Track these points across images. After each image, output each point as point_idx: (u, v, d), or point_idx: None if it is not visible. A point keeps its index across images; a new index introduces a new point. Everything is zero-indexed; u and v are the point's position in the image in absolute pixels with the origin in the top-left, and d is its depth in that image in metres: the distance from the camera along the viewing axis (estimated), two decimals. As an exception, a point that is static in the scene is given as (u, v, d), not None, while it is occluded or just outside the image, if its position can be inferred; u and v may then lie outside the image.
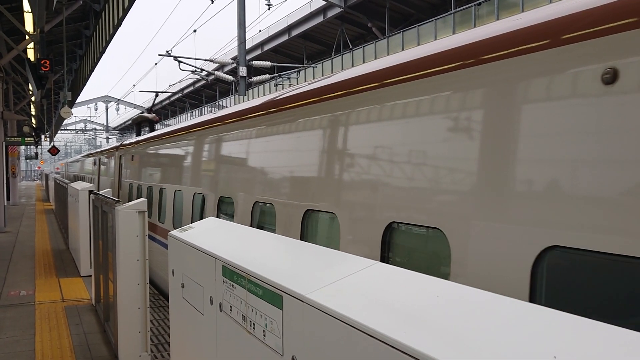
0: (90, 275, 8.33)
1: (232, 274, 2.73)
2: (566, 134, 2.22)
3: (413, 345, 1.44)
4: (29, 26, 14.23)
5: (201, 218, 6.86)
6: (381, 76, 3.54)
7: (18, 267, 11.01)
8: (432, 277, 1.92)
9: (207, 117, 7.68)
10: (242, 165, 5.78)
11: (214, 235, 3.53)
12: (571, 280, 2.19)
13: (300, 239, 4.21)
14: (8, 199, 25.23)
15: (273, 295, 2.28)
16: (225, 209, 6.23)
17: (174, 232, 3.90)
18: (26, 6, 12.99)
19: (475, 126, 2.70)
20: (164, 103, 63.22)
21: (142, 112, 18.49)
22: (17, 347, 6.12)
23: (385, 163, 3.35)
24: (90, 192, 8.67)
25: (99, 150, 22.20)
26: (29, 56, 16.57)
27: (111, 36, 15.23)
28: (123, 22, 13.73)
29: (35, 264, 11.44)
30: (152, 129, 15.90)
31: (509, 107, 2.51)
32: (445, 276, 2.74)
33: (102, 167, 18.60)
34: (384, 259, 3.26)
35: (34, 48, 16.22)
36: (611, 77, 2.09)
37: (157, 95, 23.55)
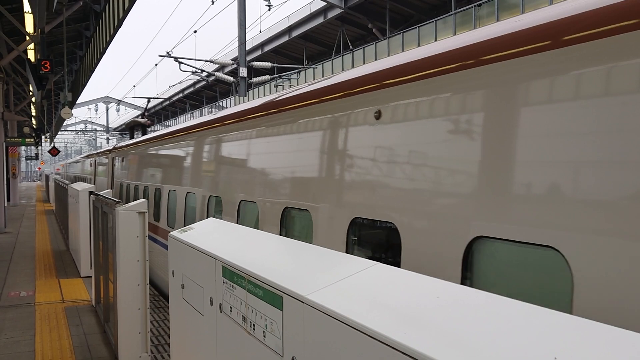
0: (91, 276, 8.33)
1: (232, 274, 2.73)
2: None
3: (413, 347, 1.44)
4: (29, 27, 14.24)
5: (175, 211, 8.46)
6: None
7: (18, 268, 11.01)
8: (433, 279, 1.92)
9: (185, 124, 9.10)
10: (210, 167, 6.97)
11: (214, 236, 3.52)
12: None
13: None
14: (8, 199, 25.23)
15: (273, 296, 2.28)
16: (191, 203, 7.62)
17: (174, 233, 3.90)
18: (26, 7, 13.00)
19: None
20: (165, 104, 63.24)
21: (136, 117, 18.98)
22: (17, 348, 6.12)
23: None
24: (91, 193, 8.68)
25: (94, 152, 23.99)
26: (29, 57, 16.57)
27: (111, 37, 15.25)
28: (123, 23, 13.76)
29: (35, 264, 11.44)
30: (144, 133, 16.67)
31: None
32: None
33: (99, 168, 19.95)
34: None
35: (35, 49, 16.23)
36: (378, 115, 3.41)
37: (149, 101, 25.19)
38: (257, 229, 4.39)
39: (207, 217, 6.15)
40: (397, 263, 3.17)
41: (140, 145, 12.06)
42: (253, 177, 5.50)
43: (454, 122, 2.84)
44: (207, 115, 8.34)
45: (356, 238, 3.65)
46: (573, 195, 2.19)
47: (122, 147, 14.80)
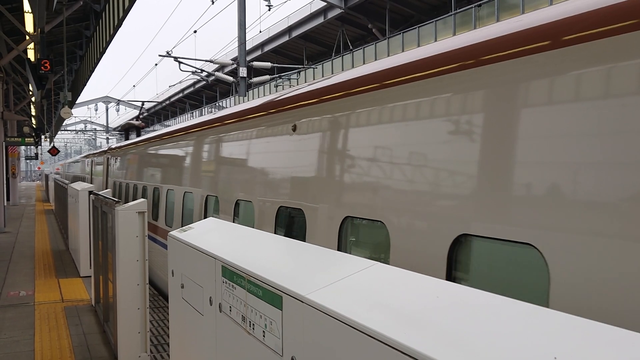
0: (90, 276, 8.33)
1: (232, 274, 2.73)
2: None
3: (413, 346, 1.43)
4: (29, 26, 14.23)
5: (157, 205, 9.65)
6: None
7: (18, 268, 11.01)
8: (433, 278, 1.91)
9: (171, 128, 10.24)
10: (190, 166, 7.99)
11: (213, 236, 3.52)
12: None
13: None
14: (8, 199, 25.22)
15: (273, 296, 2.27)
16: (171, 198, 8.74)
17: (174, 233, 3.89)
18: (26, 6, 12.99)
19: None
20: (165, 104, 63.22)
21: (131, 119, 19.97)
22: (16, 347, 6.12)
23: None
24: (90, 192, 8.68)
25: (91, 153, 25.45)
26: (29, 56, 16.57)
27: (111, 37, 15.24)
28: (123, 23, 13.75)
29: (35, 264, 11.43)
30: (138, 135, 18.30)
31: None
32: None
33: (95, 167, 21.16)
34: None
35: (34, 48, 16.22)
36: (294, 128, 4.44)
37: (143, 105, 26.94)
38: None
39: (185, 210, 7.82)
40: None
41: (131, 146, 13.35)
42: (230, 177, 6.24)
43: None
44: (187, 121, 9.81)
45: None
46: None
47: (115, 148, 16.18)
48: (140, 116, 22.96)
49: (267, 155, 5.25)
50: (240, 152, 5.94)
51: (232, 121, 6.38)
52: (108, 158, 17.17)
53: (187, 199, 7.82)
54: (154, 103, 52.06)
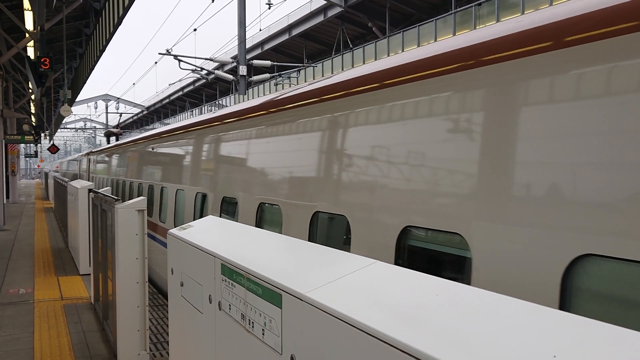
0: (90, 274, 8.33)
1: (231, 272, 2.73)
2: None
3: (412, 344, 1.43)
4: (29, 24, 14.22)
5: (129, 196, 12.34)
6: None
7: (17, 265, 11.01)
8: (432, 276, 1.91)
9: (141, 134, 13.20)
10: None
11: (213, 234, 3.52)
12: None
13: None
14: (7, 197, 25.21)
15: (272, 294, 2.28)
16: (135, 191, 11.66)
17: (173, 231, 3.89)
18: (26, 4, 12.98)
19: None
20: (164, 102, 63.16)
21: (111, 127, 25.79)
22: (16, 345, 6.12)
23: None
24: (90, 190, 8.67)
25: (80, 154, 33.20)
26: (29, 54, 16.55)
27: (111, 34, 15.24)
28: (123, 21, 13.74)
29: (34, 262, 11.43)
30: (117, 140, 22.94)
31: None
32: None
33: (82, 166, 26.39)
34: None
35: (34, 46, 16.19)
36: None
37: (121, 116, 35.22)
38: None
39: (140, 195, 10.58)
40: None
41: (105, 150, 18.35)
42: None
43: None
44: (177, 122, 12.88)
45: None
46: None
47: (94, 152, 21.91)
48: (120, 125, 30.48)
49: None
50: (192, 155, 7.92)
51: (171, 135, 8.84)
52: (89, 159, 22.81)
53: (142, 188, 11.00)
54: (133, 114, 59.31)
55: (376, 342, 1.56)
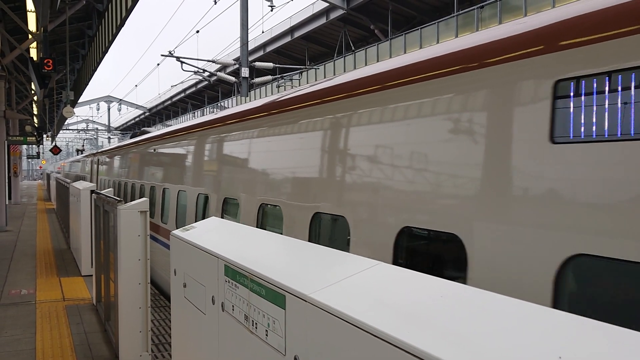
0: (91, 275, 8.33)
1: (235, 273, 2.73)
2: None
3: (418, 345, 1.43)
4: (32, 25, 14.25)
5: (130, 195, 12.97)
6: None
7: (19, 266, 11.01)
8: (436, 278, 1.91)
9: (137, 138, 13.77)
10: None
11: (216, 235, 3.52)
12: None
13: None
14: (10, 198, 25.24)
15: (276, 295, 2.27)
16: (134, 192, 12.48)
17: (176, 232, 3.90)
18: (29, 5, 13.00)
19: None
20: (166, 104, 63.23)
21: (113, 129, 26.67)
22: (17, 345, 6.12)
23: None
24: (92, 191, 8.68)
25: (83, 155, 33.93)
26: (31, 55, 16.59)
27: (114, 36, 15.27)
28: (126, 22, 13.77)
29: (36, 263, 11.44)
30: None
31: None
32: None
33: (86, 167, 26.63)
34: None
35: (37, 47, 16.23)
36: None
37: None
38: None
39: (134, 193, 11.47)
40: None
41: (109, 151, 18.80)
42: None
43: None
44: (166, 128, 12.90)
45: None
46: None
47: (98, 153, 22.30)
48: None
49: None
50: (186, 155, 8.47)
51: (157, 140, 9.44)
52: (92, 160, 23.99)
53: (143, 189, 11.67)
54: (141, 111, 60.20)
55: (381, 343, 1.56)
